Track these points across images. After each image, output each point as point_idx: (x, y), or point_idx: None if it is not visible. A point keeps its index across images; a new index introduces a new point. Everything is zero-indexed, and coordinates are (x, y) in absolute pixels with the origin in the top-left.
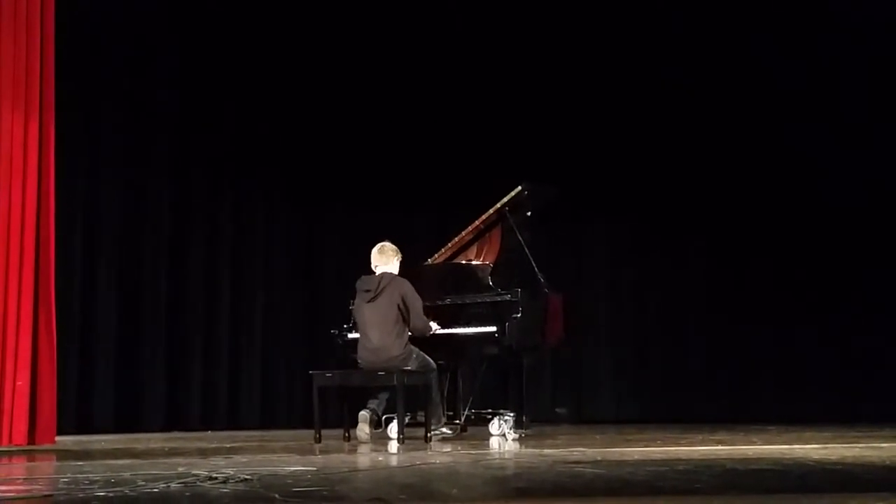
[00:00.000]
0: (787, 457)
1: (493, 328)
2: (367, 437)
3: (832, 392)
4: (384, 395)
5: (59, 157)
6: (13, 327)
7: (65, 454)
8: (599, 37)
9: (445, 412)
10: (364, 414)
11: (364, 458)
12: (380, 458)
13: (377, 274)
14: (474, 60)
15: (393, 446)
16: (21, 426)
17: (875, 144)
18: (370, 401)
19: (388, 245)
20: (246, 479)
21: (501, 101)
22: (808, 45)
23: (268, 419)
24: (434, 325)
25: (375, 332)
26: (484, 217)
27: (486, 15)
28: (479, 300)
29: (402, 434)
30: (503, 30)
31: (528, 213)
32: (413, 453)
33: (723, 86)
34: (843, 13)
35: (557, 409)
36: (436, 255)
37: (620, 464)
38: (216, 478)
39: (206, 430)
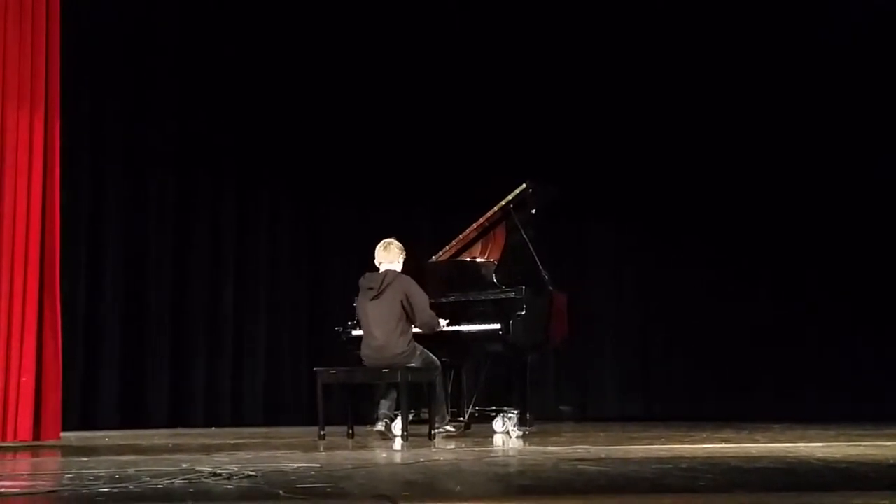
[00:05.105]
0: (791, 455)
1: (498, 325)
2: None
3: (835, 390)
4: (393, 395)
5: (64, 155)
6: (18, 324)
7: (69, 450)
8: (603, 37)
9: (449, 409)
10: (380, 428)
11: (368, 454)
12: (383, 455)
13: (381, 271)
14: (477, 59)
15: (397, 443)
16: (26, 422)
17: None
18: (382, 402)
19: (393, 242)
20: (250, 476)
21: (504, 100)
22: (807, 44)
23: (271, 416)
24: (443, 321)
25: (379, 330)
26: (488, 214)
27: (488, 14)
28: (483, 297)
29: (406, 431)
30: (505, 29)
31: (533, 211)
32: (417, 450)
33: (726, 87)
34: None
35: (561, 407)
36: (440, 253)
37: (624, 461)
38: (220, 474)
39: (210, 426)
